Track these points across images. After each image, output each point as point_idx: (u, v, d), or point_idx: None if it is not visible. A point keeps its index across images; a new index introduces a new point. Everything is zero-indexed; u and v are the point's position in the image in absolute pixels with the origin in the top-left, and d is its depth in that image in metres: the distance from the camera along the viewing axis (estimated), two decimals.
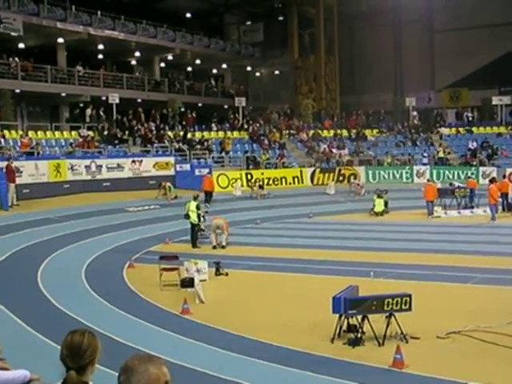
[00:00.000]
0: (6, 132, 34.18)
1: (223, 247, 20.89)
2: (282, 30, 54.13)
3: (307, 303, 13.69)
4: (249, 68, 56.03)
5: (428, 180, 30.21)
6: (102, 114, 39.99)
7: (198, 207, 21.64)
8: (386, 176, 39.59)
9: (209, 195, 30.65)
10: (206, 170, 35.55)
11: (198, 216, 21.54)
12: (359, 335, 11.00)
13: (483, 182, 33.29)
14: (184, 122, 43.66)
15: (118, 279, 16.62)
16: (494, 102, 44.99)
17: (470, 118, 46.16)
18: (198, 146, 39.56)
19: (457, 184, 31.38)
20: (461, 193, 28.93)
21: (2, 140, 33.02)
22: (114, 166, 34.11)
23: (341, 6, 50.70)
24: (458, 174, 37.45)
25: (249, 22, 56.86)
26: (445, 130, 45.65)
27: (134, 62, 48.49)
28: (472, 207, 28.32)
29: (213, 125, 44.63)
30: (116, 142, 37.64)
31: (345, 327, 11.30)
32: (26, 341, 11.43)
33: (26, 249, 20.35)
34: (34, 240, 21.61)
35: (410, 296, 11.16)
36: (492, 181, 26.82)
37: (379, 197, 28.48)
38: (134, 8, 44.95)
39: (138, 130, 39.72)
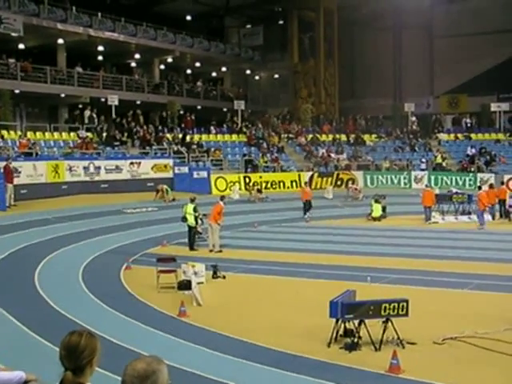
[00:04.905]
0: (4, 132, 34.20)
1: (219, 251, 20.76)
2: (281, 33, 54.21)
3: (304, 307, 13.68)
4: (248, 71, 56.02)
5: (426, 186, 30.22)
6: (100, 115, 39.96)
7: (195, 210, 21.58)
8: (384, 181, 39.63)
9: (308, 204, 29.27)
10: (205, 173, 35.52)
11: (196, 219, 21.52)
12: (356, 340, 11.00)
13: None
14: (183, 125, 43.68)
15: (115, 281, 16.60)
16: (492, 109, 45.07)
17: (469, 125, 46.23)
18: (197, 148, 39.55)
19: (454, 190, 31.42)
20: (458, 199, 28.96)
21: (1, 140, 33.01)
22: (112, 168, 34.09)
23: (341, 11, 50.70)
24: (456, 180, 37.54)
25: (249, 26, 56.87)
26: (443, 136, 45.71)
27: (133, 64, 48.50)
28: (469, 213, 28.34)
29: (212, 128, 44.66)
30: (115, 143, 37.62)
31: (341, 332, 11.31)
32: (23, 341, 11.42)
33: (23, 249, 20.32)
34: (31, 241, 21.58)
35: (407, 301, 11.16)
36: (480, 187, 27.13)
37: (377, 202, 28.47)
38: (134, 10, 45.03)
39: (137, 132, 39.71)
